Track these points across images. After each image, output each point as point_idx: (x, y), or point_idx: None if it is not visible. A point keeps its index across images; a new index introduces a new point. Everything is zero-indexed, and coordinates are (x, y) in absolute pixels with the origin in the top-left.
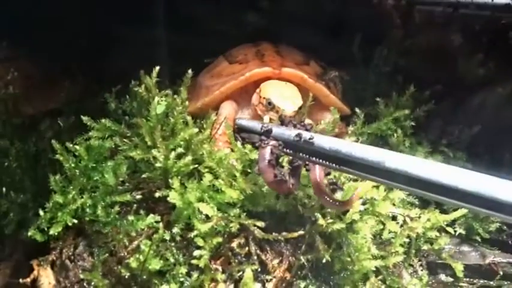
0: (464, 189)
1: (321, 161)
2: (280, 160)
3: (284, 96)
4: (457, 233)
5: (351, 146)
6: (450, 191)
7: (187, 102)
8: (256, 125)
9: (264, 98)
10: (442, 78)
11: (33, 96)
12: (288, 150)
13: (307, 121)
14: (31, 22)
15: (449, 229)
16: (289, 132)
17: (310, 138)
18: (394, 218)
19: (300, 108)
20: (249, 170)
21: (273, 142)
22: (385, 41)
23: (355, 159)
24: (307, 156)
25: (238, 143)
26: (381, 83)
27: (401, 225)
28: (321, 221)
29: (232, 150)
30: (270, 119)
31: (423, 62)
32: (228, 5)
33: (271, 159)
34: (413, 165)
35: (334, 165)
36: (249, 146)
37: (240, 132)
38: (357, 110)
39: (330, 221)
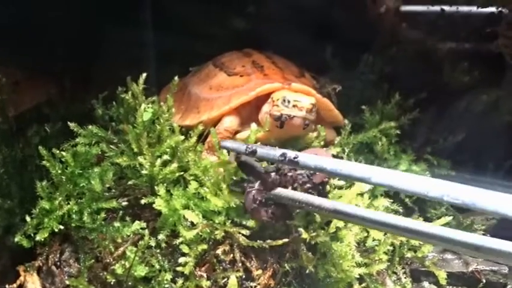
0: (450, 201)
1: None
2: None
3: (297, 94)
4: None
5: (336, 163)
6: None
7: (173, 110)
8: (240, 146)
9: (278, 99)
10: (426, 85)
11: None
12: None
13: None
14: (18, 28)
15: None
16: (274, 152)
17: (294, 158)
18: None
19: (314, 105)
20: (234, 178)
21: (256, 187)
22: (371, 48)
23: (340, 176)
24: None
25: (224, 151)
26: (366, 91)
27: (385, 233)
28: (305, 235)
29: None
30: (287, 116)
31: (408, 70)
32: (215, 10)
33: (257, 202)
34: (398, 180)
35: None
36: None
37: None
38: (345, 120)
39: (314, 234)
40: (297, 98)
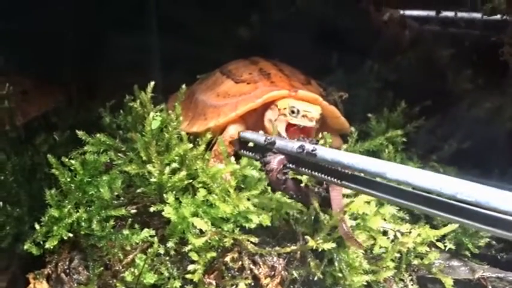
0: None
1: (322, 175)
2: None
3: (305, 103)
4: (447, 248)
5: (352, 157)
6: (450, 206)
7: (181, 118)
8: (260, 137)
9: (285, 108)
10: (431, 93)
11: (26, 107)
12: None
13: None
14: (25, 36)
15: (439, 244)
16: (292, 144)
17: (312, 150)
18: (385, 233)
19: (321, 115)
20: (242, 185)
21: (275, 165)
22: (375, 55)
23: (356, 170)
24: (310, 171)
25: (232, 159)
26: (372, 99)
27: (392, 240)
28: (311, 242)
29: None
30: (294, 126)
31: (413, 78)
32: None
33: (283, 181)
34: (413, 175)
35: (335, 180)
36: (243, 163)
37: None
38: (352, 128)
39: (320, 241)
40: (306, 108)
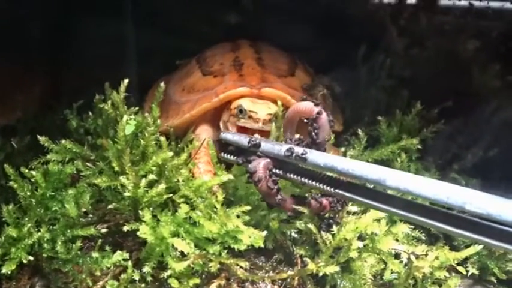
0: (472, 211)
1: (313, 183)
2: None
3: (256, 102)
4: (469, 273)
5: (348, 163)
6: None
7: (159, 121)
8: (242, 139)
9: (234, 108)
10: (452, 92)
11: None
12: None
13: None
14: None
15: (460, 269)
16: (279, 147)
17: (302, 154)
18: (397, 256)
19: (275, 116)
20: (232, 199)
21: (261, 171)
22: (388, 49)
23: (352, 177)
24: (299, 177)
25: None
26: (383, 98)
27: (406, 264)
28: (311, 265)
29: (215, 174)
30: (242, 128)
31: (431, 74)
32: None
33: (275, 189)
34: (416, 183)
35: (328, 188)
36: (234, 172)
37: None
38: (360, 132)
39: (322, 263)
40: (253, 108)
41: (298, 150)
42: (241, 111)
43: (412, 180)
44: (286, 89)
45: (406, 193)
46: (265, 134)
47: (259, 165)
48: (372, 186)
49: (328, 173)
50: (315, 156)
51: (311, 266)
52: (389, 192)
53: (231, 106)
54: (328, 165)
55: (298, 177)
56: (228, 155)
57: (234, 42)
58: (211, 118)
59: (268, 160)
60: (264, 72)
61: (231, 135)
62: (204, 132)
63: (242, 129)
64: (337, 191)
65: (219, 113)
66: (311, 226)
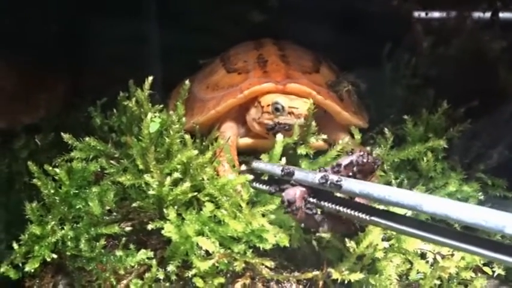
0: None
1: (349, 211)
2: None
3: (291, 97)
4: (495, 274)
5: (384, 190)
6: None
7: (184, 119)
8: (275, 168)
9: (268, 105)
10: (479, 92)
11: (6, 109)
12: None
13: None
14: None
15: (486, 269)
16: (313, 175)
17: (337, 181)
18: (423, 256)
19: (314, 109)
20: (255, 199)
21: (298, 198)
22: (413, 47)
23: (389, 203)
24: (334, 205)
25: (243, 167)
26: (409, 97)
27: (432, 265)
28: (336, 274)
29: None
30: (281, 124)
31: (457, 73)
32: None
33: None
34: (453, 209)
35: (364, 216)
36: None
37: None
38: (386, 131)
39: (346, 272)
40: (292, 104)
41: (333, 177)
42: (277, 108)
43: (449, 205)
44: (311, 85)
45: (443, 218)
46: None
47: (296, 195)
48: (407, 213)
49: (363, 200)
50: (350, 184)
51: (335, 275)
52: (425, 218)
53: (263, 103)
54: (364, 192)
55: (333, 205)
56: (260, 184)
57: (257, 41)
58: (236, 115)
59: (304, 189)
60: (289, 68)
61: (263, 165)
62: (229, 130)
63: (278, 126)
64: (372, 218)
65: (244, 110)
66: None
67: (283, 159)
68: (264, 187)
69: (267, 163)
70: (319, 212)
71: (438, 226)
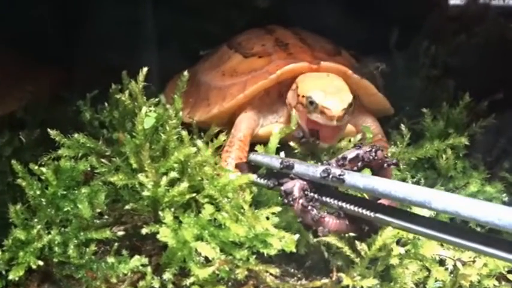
0: None
1: (352, 207)
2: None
3: (328, 91)
4: None
5: (390, 184)
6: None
7: (181, 113)
8: (274, 160)
9: (303, 96)
10: (504, 83)
11: None
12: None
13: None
14: None
15: (510, 277)
16: (315, 169)
17: (340, 175)
18: (441, 263)
19: (350, 105)
20: (259, 199)
21: (297, 193)
22: (433, 35)
23: (395, 199)
24: (336, 201)
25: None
26: (427, 89)
27: (451, 272)
28: (347, 280)
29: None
30: (315, 123)
31: (480, 63)
32: None
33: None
34: (465, 205)
35: (369, 212)
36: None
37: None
38: (403, 127)
39: (358, 277)
40: (326, 103)
41: (336, 171)
42: (311, 102)
43: (460, 202)
44: (345, 65)
45: (454, 215)
46: (336, 130)
47: (295, 187)
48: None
49: (368, 196)
50: (353, 178)
51: (346, 281)
52: (433, 216)
53: (299, 92)
54: (368, 187)
55: (335, 201)
56: (258, 178)
57: (265, 28)
58: (257, 103)
59: (304, 182)
60: (313, 50)
61: (261, 157)
62: (246, 121)
63: (313, 123)
64: (377, 215)
65: (265, 95)
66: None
67: (282, 153)
68: (263, 181)
69: (265, 155)
70: (316, 211)
71: (455, 226)
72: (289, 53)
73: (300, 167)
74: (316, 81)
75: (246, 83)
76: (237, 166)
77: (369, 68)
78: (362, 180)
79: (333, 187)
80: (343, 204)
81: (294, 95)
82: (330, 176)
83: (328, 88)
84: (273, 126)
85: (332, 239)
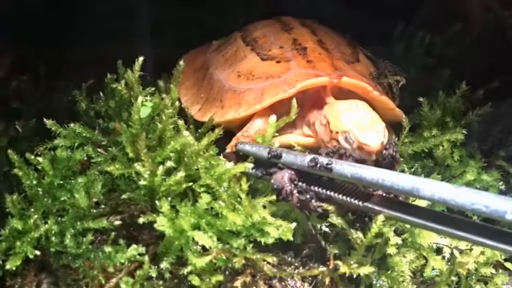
0: None
1: (340, 196)
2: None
3: (363, 125)
4: None
5: (378, 173)
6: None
7: (177, 103)
8: (262, 150)
9: (337, 132)
10: (500, 72)
11: None
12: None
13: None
14: None
15: (508, 265)
16: (303, 158)
17: (328, 164)
18: (438, 251)
19: (384, 140)
20: (256, 186)
21: (287, 181)
22: (428, 24)
23: (383, 188)
24: (324, 190)
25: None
26: (424, 78)
27: (448, 260)
28: (343, 268)
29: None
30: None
31: (476, 52)
32: None
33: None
34: (453, 193)
35: (357, 201)
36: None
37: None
38: (403, 118)
39: (355, 265)
40: (363, 138)
41: (323, 160)
42: (347, 138)
43: (448, 190)
44: (360, 78)
45: (441, 203)
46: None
47: (285, 179)
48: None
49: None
50: (341, 167)
51: (343, 269)
52: (422, 204)
53: (332, 128)
54: (356, 175)
55: (323, 191)
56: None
57: (279, 21)
58: (272, 107)
59: (292, 172)
60: (332, 57)
61: (249, 147)
62: (262, 125)
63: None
64: (366, 204)
65: (283, 102)
66: (341, 221)
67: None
68: (251, 171)
69: (253, 145)
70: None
71: (434, 212)
72: (308, 60)
73: (287, 156)
74: (347, 114)
75: (263, 91)
76: (225, 156)
77: (387, 77)
78: (349, 169)
79: (321, 176)
80: (331, 194)
81: (326, 131)
82: (318, 165)
83: (361, 121)
84: (288, 137)
85: (336, 221)
